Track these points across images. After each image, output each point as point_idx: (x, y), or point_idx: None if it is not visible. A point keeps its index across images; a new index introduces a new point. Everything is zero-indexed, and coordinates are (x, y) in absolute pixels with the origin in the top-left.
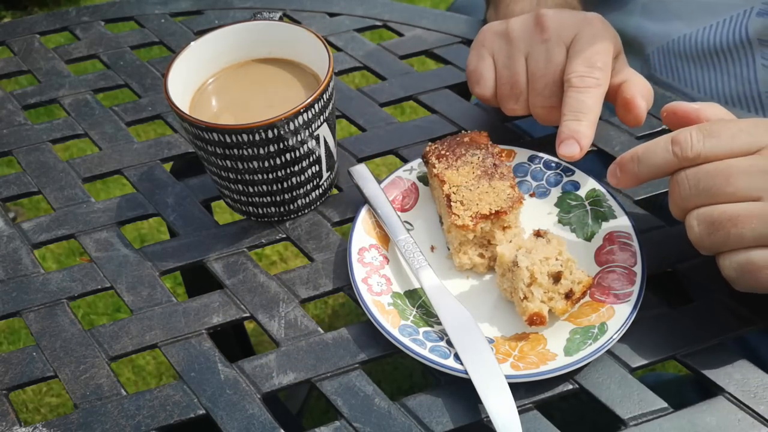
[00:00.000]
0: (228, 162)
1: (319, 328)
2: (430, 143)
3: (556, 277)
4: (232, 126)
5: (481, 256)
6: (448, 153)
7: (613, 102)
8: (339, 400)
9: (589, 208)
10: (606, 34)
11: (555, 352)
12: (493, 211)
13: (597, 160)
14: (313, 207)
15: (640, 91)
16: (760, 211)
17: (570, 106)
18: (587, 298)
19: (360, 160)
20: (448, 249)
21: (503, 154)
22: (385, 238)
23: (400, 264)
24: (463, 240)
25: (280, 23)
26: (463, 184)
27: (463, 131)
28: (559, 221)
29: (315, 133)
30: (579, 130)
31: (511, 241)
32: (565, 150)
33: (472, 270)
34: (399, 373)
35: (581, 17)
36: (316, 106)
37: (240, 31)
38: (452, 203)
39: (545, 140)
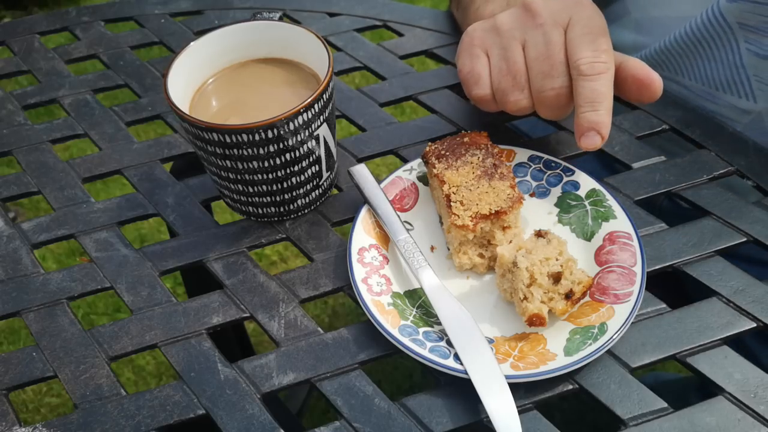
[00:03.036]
0: (228, 162)
1: (319, 328)
2: (430, 143)
3: (556, 278)
4: (232, 126)
5: (481, 256)
6: (448, 153)
7: (616, 87)
8: (339, 400)
9: (589, 208)
10: (600, 15)
11: (555, 352)
12: (493, 211)
13: (597, 160)
14: (313, 207)
15: (644, 66)
16: None
17: (584, 96)
18: (587, 298)
19: (360, 160)
20: (448, 249)
21: (503, 154)
22: (385, 238)
23: (400, 264)
24: (463, 240)
25: (279, 23)
26: (462, 184)
27: (463, 131)
28: (559, 221)
29: (315, 133)
30: (598, 121)
31: (511, 242)
32: (586, 142)
33: (472, 270)
34: (399, 373)
35: (571, 1)
36: (315, 106)
37: (240, 31)
38: (452, 203)
39: (545, 140)
